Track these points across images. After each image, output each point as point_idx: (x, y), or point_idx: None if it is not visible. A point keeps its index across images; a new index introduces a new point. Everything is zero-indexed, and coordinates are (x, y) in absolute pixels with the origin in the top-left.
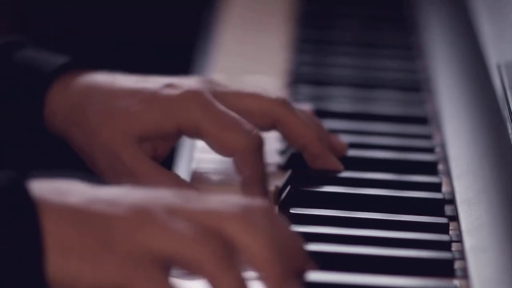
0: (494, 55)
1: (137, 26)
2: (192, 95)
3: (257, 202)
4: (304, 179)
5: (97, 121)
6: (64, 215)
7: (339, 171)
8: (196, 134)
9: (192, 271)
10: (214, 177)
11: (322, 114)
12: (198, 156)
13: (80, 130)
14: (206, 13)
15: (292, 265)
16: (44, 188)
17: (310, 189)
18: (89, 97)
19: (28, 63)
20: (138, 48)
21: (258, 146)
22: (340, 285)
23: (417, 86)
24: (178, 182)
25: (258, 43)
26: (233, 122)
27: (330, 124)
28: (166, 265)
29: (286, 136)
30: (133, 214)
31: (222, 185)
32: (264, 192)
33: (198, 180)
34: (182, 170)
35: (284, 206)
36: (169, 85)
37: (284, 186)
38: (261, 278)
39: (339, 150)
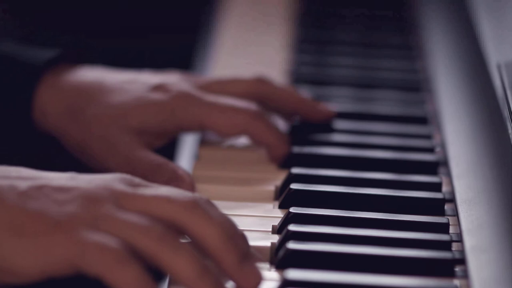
0: (494, 55)
1: (137, 26)
2: (184, 98)
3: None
4: (304, 179)
5: (94, 119)
6: (8, 198)
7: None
8: (200, 128)
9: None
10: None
11: None
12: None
13: (76, 127)
14: (206, 13)
15: (242, 247)
16: None
17: (310, 188)
18: (85, 99)
19: (10, 57)
20: (138, 48)
21: (261, 116)
22: (340, 285)
23: (417, 86)
24: (174, 170)
25: (258, 43)
26: (230, 106)
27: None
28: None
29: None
30: (81, 206)
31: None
32: None
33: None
34: (184, 163)
35: (284, 206)
36: (158, 88)
37: (284, 186)
38: (219, 263)
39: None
